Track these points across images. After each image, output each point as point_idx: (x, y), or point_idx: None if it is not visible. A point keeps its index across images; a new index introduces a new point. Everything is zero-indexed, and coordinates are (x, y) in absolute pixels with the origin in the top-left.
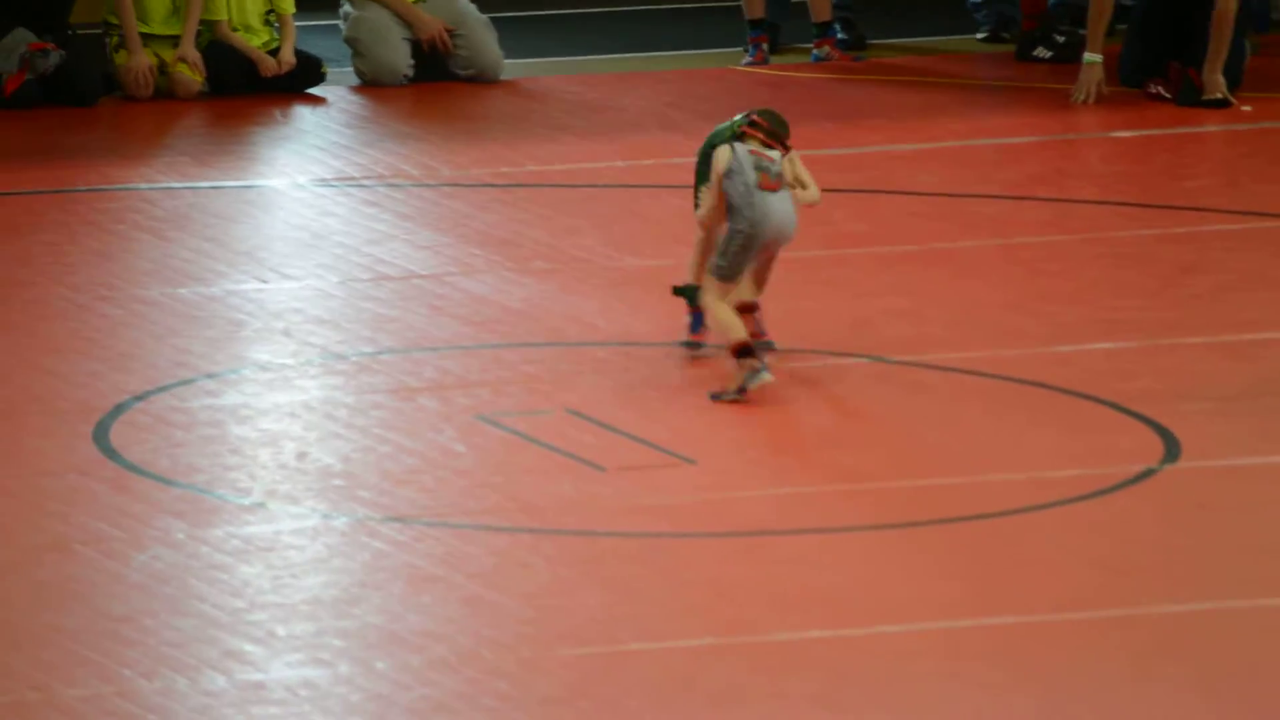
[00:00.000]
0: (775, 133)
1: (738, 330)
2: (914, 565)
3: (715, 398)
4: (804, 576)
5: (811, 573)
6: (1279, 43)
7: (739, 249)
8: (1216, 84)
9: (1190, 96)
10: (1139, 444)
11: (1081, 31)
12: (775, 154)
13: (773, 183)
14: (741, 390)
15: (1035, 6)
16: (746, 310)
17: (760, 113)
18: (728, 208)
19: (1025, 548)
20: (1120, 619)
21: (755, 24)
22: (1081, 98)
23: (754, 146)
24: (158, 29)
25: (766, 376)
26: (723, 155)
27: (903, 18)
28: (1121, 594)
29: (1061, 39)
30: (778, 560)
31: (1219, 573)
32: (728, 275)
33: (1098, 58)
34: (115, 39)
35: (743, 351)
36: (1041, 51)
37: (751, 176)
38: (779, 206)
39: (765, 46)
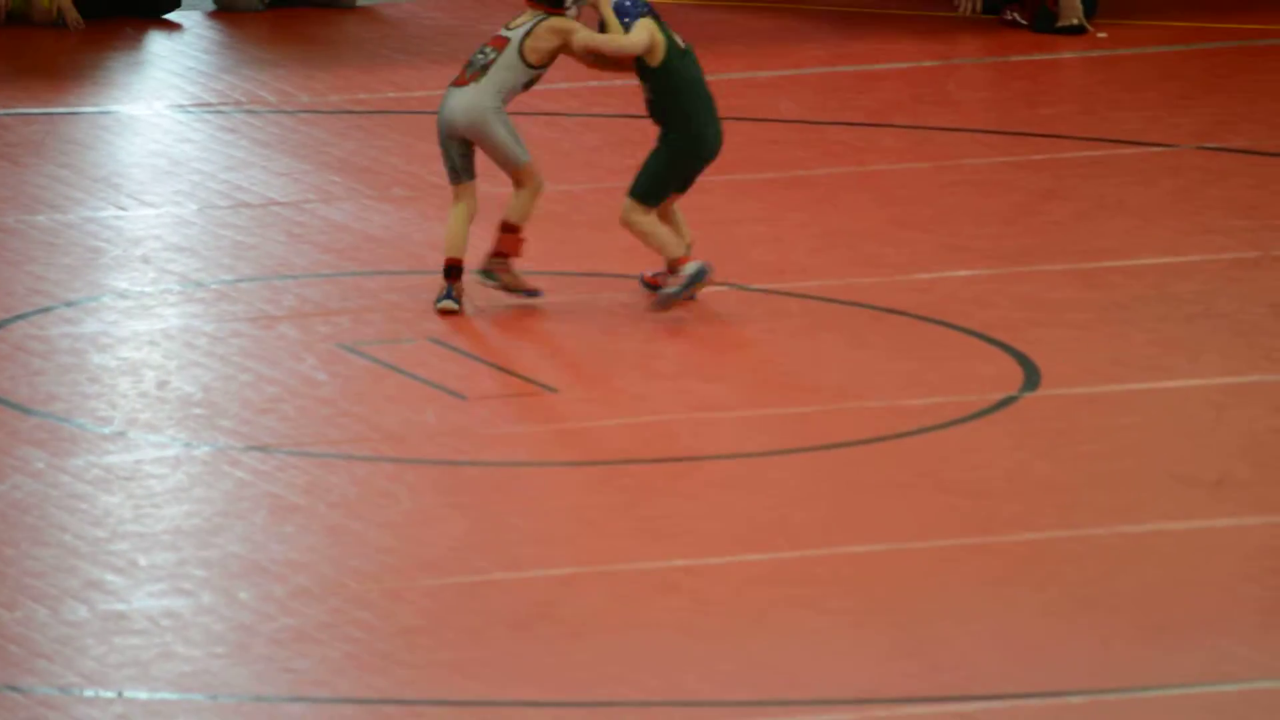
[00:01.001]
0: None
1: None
2: (773, 493)
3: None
4: (664, 505)
5: (671, 501)
6: None
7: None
8: (1074, 9)
9: (1046, 23)
10: (999, 372)
11: None
12: (517, 26)
13: (462, 78)
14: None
15: None
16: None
17: None
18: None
19: (885, 475)
20: (977, 546)
21: None
22: (964, 10)
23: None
24: None
25: (533, 290)
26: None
27: None
28: (979, 521)
29: None
30: (638, 489)
31: (1076, 500)
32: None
33: None
34: None
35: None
36: (1016, 17)
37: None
38: (447, 103)
39: None
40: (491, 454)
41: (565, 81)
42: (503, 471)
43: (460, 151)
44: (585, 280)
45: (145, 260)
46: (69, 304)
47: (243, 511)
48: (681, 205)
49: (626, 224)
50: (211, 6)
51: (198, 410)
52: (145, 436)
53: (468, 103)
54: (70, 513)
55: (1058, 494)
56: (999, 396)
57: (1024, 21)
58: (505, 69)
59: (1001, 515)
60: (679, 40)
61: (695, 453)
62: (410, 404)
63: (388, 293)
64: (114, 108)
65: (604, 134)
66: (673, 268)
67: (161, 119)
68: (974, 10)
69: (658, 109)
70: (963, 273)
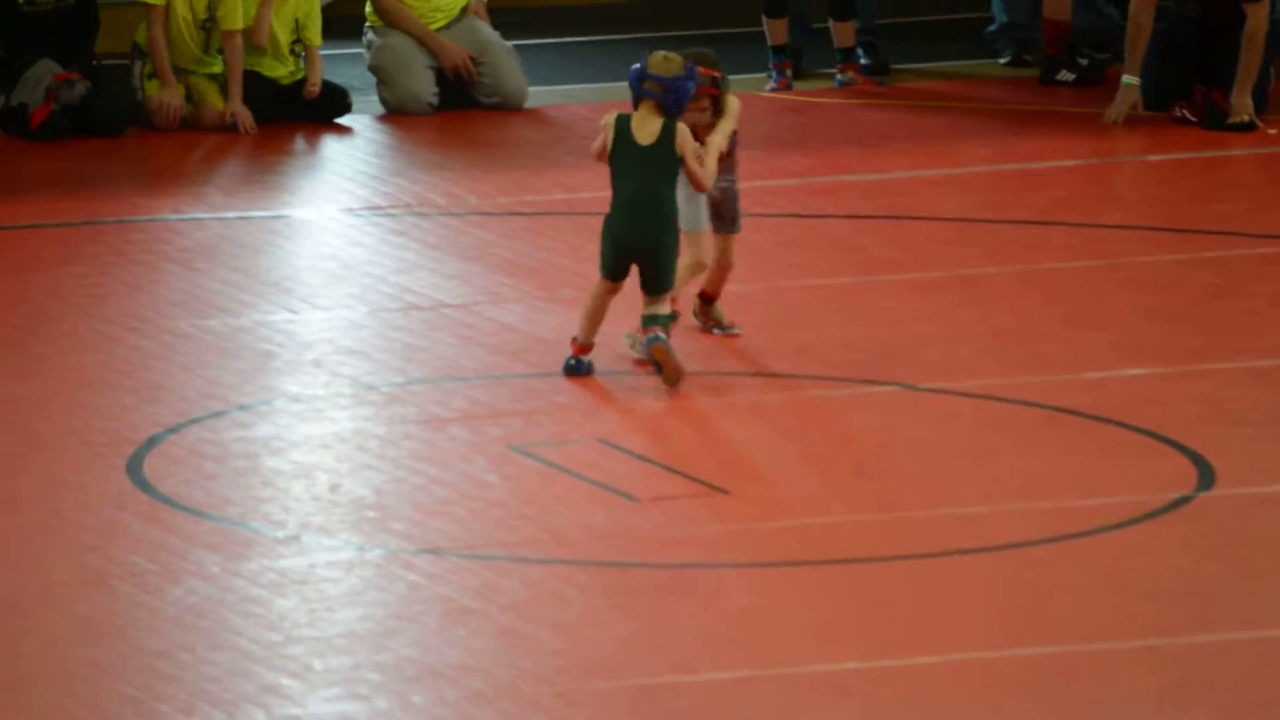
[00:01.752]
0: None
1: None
2: (949, 595)
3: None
4: (838, 607)
5: (846, 603)
6: None
7: None
8: (1244, 106)
9: (1216, 120)
10: (1173, 471)
11: (1102, 56)
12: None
13: None
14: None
15: (1058, 31)
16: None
17: (712, 62)
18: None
19: (1059, 576)
20: (1150, 649)
21: (779, 50)
22: (1114, 118)
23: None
24: (188, 64)
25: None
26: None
27: (926, 43)
28: (1152, 623)
29: (1085, 62)
30: (812, 591)
31: (1251, 602)
32: None
33: (1135, 80)
34: (148, 67)
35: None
36: (1065, 75)
37: None
38: None
39: (789, 72)
40: (662, 556)
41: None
42: (673, 573)
43: None
44: (756, 380)
45: (317, 364)
46: (242, 408)
47: (416, 615)
48: (852, 299)
49: None
50: (381, 110)
51: (370, 513)
52: (319, 540)
53: None
54: (245, 617)
55: (1234, 595)
56: (1173, 496)
57: (1193, 118)
58: None
59: (1177, 617)
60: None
61: (866, 554)
62: (581, 506)
63: (557, 394)
64: (285, 212)
65: (770, 233)
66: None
67: (332, 222)
68: (1119, 119)
69: None
70: (1134, 371)
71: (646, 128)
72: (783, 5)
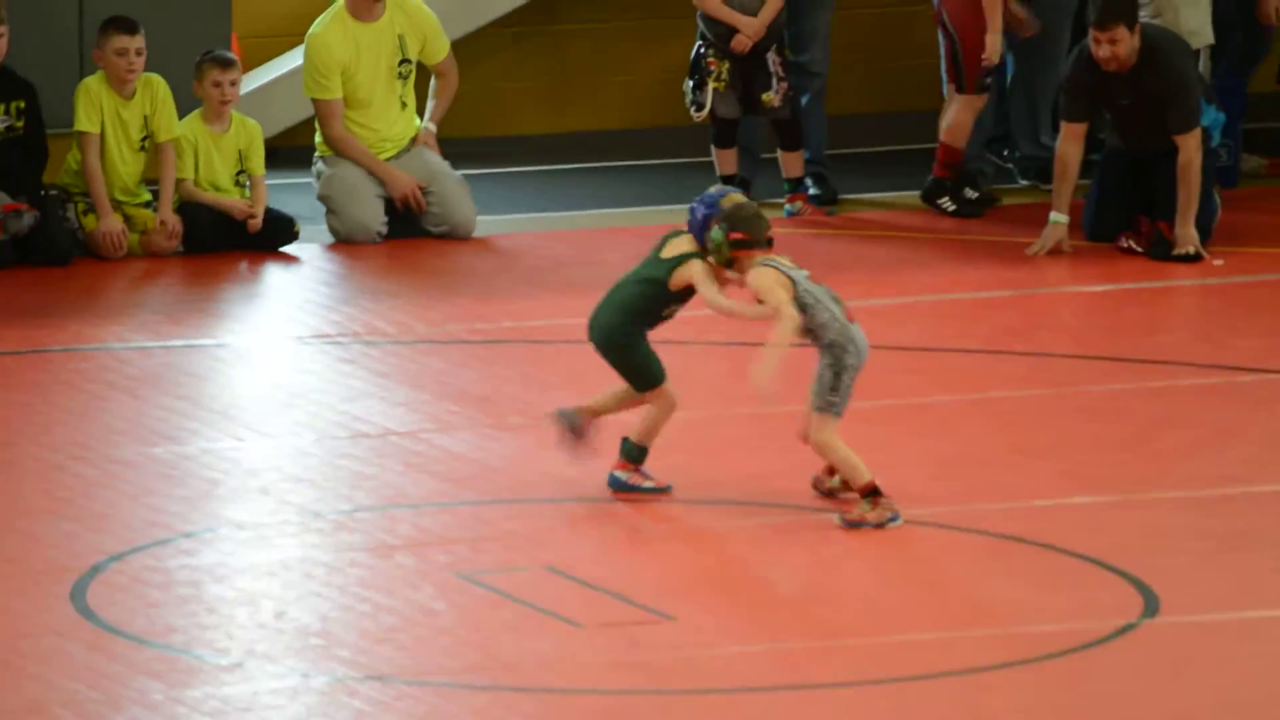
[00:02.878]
0: (761, 240)
1: (864, 471)
2: None
3: (851, 524)
4: None
5: None
6: (1249, 196)
7: (850, 379)
8: (1189, 237)
9: (1162, 250)
10: (1117, 599)
11: (985, 195)
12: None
13: (849, 311)
14: (882, 525)
15: (950, 156)
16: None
17: (735, 224)
18: (813, 337)
19: (1007, 702)
20: None
21: (727, 180)
22: (1036, 251)
23: (787, 265)
24: (120, 195)
25: (899, 520)
26: (774, 279)
27: (874, 173)
28: None
29: (973, 195)
30: (755, 718)
31: None
32: (841, 410)
33: (1064, 218)
34: (81, 204)
35: (873, 491)
36: (947, 203)
37: (839, 311)
38: (862, 335)
39: None
40: (608, 682)
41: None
42: (620, 699)
43: None
44: (703, 508)
45: (263, 491)
46: (187, 535)
47: None
48: (792, 430)
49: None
50: (330, 239)
51: (315, 640)
52: (263, 667)
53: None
54: None
55: None
56: (1119, 624)
57: (1139, 248)
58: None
59: None
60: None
61: (813, 681)
62: (527, 632)
63: (505, 521)
64: (232, 340)
65: (722, 362)
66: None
67: (280, 350)
68: (1041, 252)
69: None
70: (1081, 499)
71: (678, 245)
72: (731, 136)
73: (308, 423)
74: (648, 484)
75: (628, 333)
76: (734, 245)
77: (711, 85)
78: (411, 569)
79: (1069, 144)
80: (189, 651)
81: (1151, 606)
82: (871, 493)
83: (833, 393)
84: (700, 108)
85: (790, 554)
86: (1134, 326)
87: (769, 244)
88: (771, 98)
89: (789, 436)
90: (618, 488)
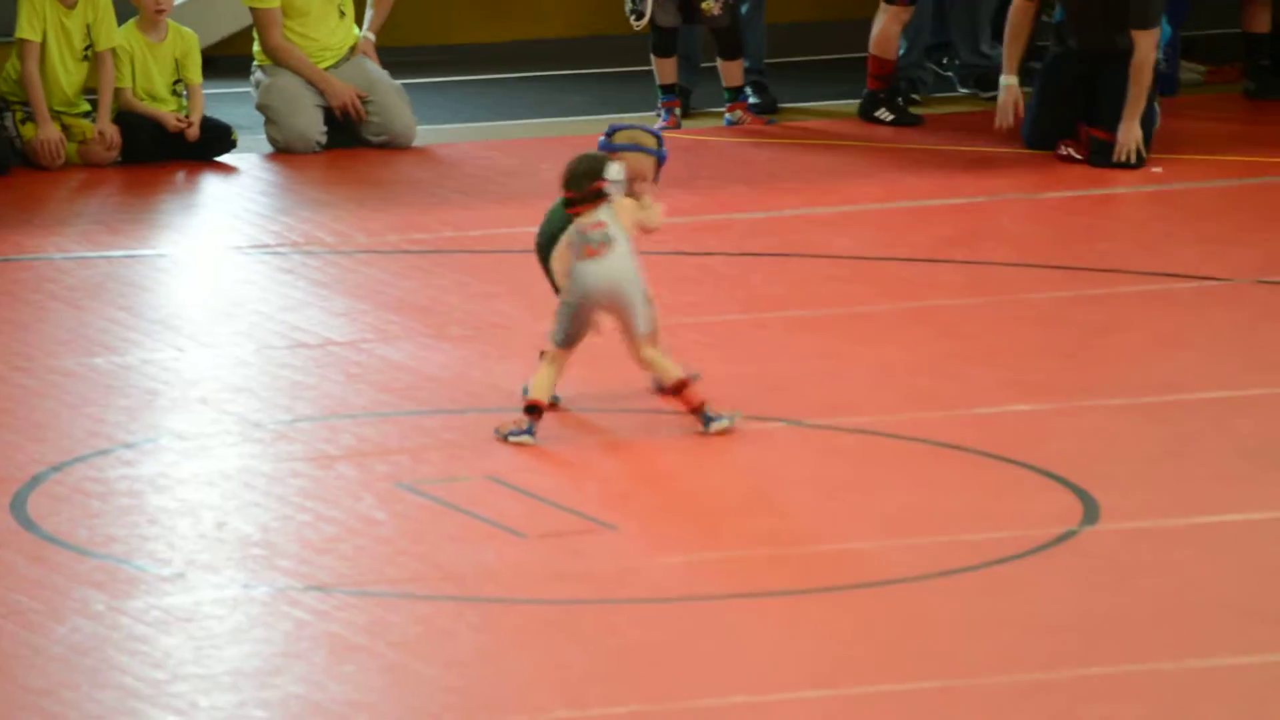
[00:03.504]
0: (586, 195)
1: (538, 391)
2: (834, 630)
3: (498, 434)
4: (727, 642)
5: (734, 638)
6: (1187, 104)
7: (563, 315)
8: (1133, 135)
9: (1102, 157)
10: (1058, 506)
11: (917, 104)
12: (598, 215)
13: (594, 249)
14: (503, 438)
15: (881, 68)
16: (678, 389)
17: (567, 183)
18: None
19: (944, 611)
20: (1039, 683)
21: (667, 89)
22: (1001, 121)
23: (586, 222)
24: (59, 105)
25: (526, 439)
26: (559, 250)
27: (814, 82)
28: (1041, 657)
29: (905, 103)
30: (700, 626)
31: (1139, 635)
32: (559, 341)
33: (1013, 78)
34: (20, 113)
35: (530, 408)
36: (884, 114)
37: (578, 253)
38: (599, 270)
39: (677, 111)
40: (551, 592)
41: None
42: (563, 609)
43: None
44: (643, 417)
45: (203, 401)
46: (127, 445)
47: (303, 652)
48: (741, 337)
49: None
50: (269, 149)
51: (256, 551)
52: (204, 577)
53: (619, 270)
54: (130, 655)
55: (1121, 628)
56: (1059, 531)
57: (1079, 156)
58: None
59: (1065, 650)
60: None
61: (752, 589)
62: (470, 543)
63: (446, 431)
64: (172, 250)
65: (659, 271)
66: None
67: (219, 261)
68: (1007, 120)
69: None
70: (1022, 407)
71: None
72: (671, 45)
73: (247, 333)
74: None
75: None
76: (566, 204)
77: None
78: (352, 479)
79: (1019, 14)
80: (130, 562)
81: (1092, 513)
82: (528, 409)
83: (555, 319)
84: (640, 16)
85: (731, 464)
86: (1074, 234)
87: (595, 197)
88: (711, 6)
89: (731, 347)
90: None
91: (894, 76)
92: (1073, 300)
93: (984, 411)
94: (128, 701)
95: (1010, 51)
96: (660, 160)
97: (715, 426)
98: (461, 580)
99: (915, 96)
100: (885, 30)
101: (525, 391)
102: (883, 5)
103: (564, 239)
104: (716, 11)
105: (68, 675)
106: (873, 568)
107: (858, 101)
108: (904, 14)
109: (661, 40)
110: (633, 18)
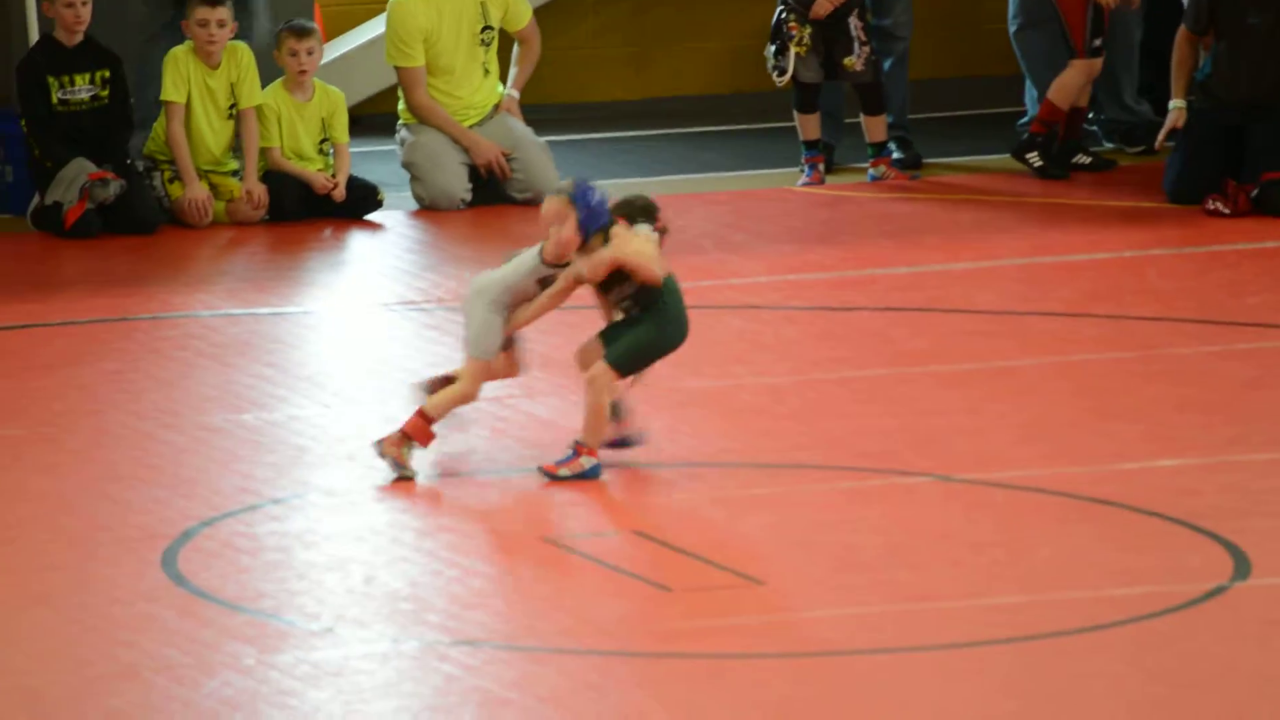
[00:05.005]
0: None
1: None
2: (981, 686)
3: (381, 452)
4: (872, 698)
5: (879, 694)
6: None
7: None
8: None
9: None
10: (1207, 561)
11: (1075, 161)
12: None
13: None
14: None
15: (1052, 114)
16: (424, 419)
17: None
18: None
19: (1091, 667)
20: None
21: (810, 145)
22: (1159, 142)
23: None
24: (206, 164)
25: (409, 472)
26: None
27: (958, 137)
28: (1188, 714)
29: (1086, 160)
30: (846, 682)
31: None
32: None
33: (1181, 103)
34: (168, 173)
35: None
36: (1034, 159)
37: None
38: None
39: (821, 167)
40: (698, 646)
41: (766, 275)
42: (709, 663)
43: None
44: (785, 471)
45: (350, 457)
46: (275, 501)
47: (451, 707)
48: (886, 392)
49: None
50: (414, 206)
51: (405, 605)
52: (353, 632)
53: None
54: (280, 709)
55: (1272, 685)
56: (1209, 586)
57: (1226, 210)
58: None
59: (1214, 707)
60: None
61: (899, 644)
62: (616, 597)
63: (592, 486)
64: (319, 307)
65: (803, 326)
66: (579, 451)
67: (366, 318)
68: (1162, 141)
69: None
70: (1168, 462)
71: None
72: (813, 101)
73: (394, 389)
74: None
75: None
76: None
77: (793, 50)
78: (500, 534)
79: (1185, 45)
80: (279, 616)
81: (1242, 569)
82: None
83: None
84: (782, 73)
85: (873, 517)
86: (1220, 288)
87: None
88: (853, 62)
89: (876, 402)
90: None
91: (1056, 128)
92: (1218, 354)
93: (1130, 466)
94: None
95: (1177, 76)
96: (582, 212)
97: (390, 468)
98: (609, 634)
99: (1083, 159)
100: (1067, 80)
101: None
102: (1071, 59)
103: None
104: (859, 67)
105: None
106: (1015, 624)
107: (1002, 156)
108: (1090, 68)
109: (804, 96)
110: (775, 74)
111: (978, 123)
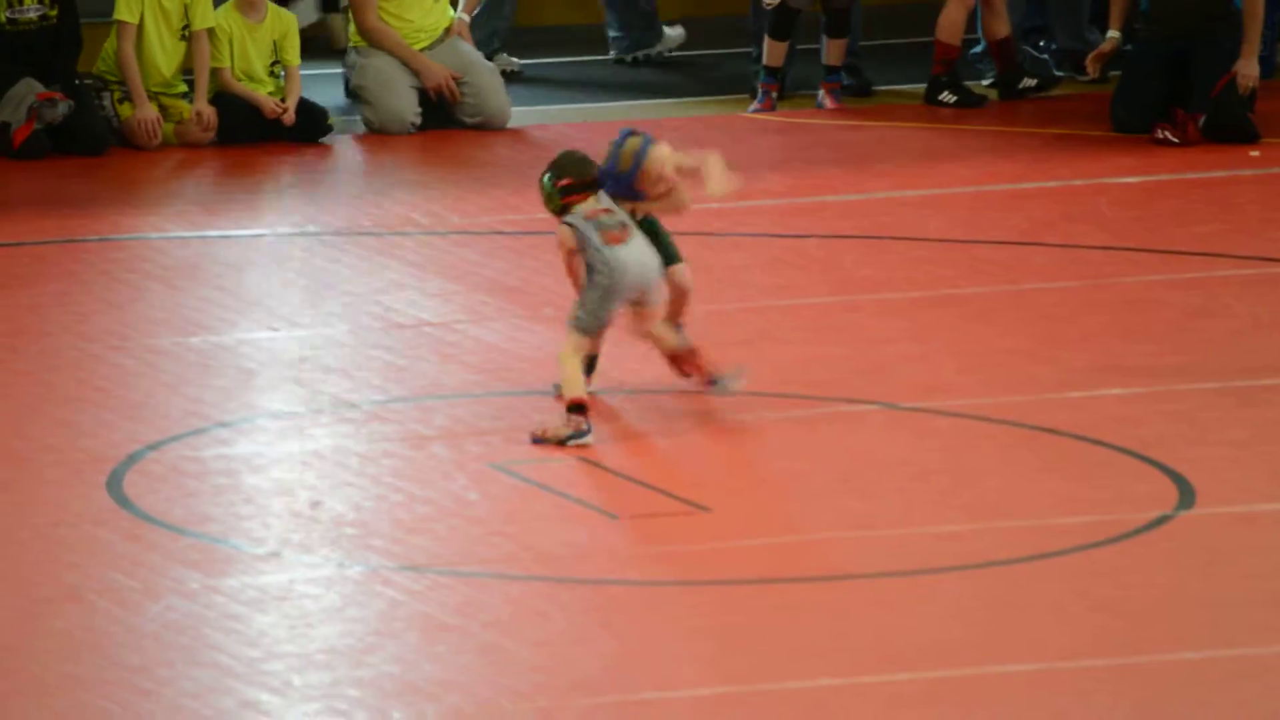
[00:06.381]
0: (586, 182)
1: (578, 388)
2: (923, 613)
3: (537, 440)
4: (815, 624)
5: (825, 620)
6: None
7: (598, 301)
8: (1252, 69)
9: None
10: (1153, 490)
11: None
12: (600, 202)
13: (617, 234)
14: (562, 443)
15: (946, 52)
16: (686, 357)
17: (563, 171)
18: (586, 269)
19: (1036, 595)
20: (1130, 666)
21: (772, 71)
22: (1092, 73)
23: (586, 209)
24: (157, 86)
25: (589, 439)
26: (565, 235)
27: (908, 65)
28: (1132, 641)
29: (1030, 83)
30: (789, 608)
31: (1232, 621)
32: (588, 328)
33: (1116, 33)
34: (117, 93)
35: (576, 408)
36: (947, 96)
37: (596, 239)
38: (631, 256)
39: (774, 94)
40: (643, 573)
41: (715, 201)
42: (654, 591)
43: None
44: (736, 400)
45: (298, 381)
46: (223, 425)
47: (396, 631)
48: (833, 319)
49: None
50: (363, 130)
51: (350, 530)
52: (299, 557)
53: (650, 257)
54: (225, 633)
55: (1215, 613)
56: (1153, 515)
57: (1175, 139)
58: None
59: (1157, 635)
60: None
61: (844, 571)
62: (562, 523)
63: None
64: (267, 230)
65: (751, 253)
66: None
67: (313, 241)
68: (1096, 72)
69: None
70: (1115, 391)
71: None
72: (791, 28)
73: (342, 314)
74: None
75: None
76: (564, 191)
77: None
78: (446, 459)
79: None
80: (225, 541)
81: (1187, 498)
82: (574, 408)
83: (581, 307)
84: None
85: (823, 446)
86: (1168, 218)
87: (594, 186)
88: None
89: (823, 329)
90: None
91: (956, 62)
92: (1168, 284)
93: (1078, 395)
94: (222, 679)
95: (1114, 3)
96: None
97: (723, 385)
98: (553, 561)
99: (1028, 81)
100: (950, 16)
101: (556, 390)
102: None
103: (564, 231)
104: None
105: (163, 653)
106: (965, 551)
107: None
108: (965, 1)
109: (782, 23)
110: None
111: (928, 51)
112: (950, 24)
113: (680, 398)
